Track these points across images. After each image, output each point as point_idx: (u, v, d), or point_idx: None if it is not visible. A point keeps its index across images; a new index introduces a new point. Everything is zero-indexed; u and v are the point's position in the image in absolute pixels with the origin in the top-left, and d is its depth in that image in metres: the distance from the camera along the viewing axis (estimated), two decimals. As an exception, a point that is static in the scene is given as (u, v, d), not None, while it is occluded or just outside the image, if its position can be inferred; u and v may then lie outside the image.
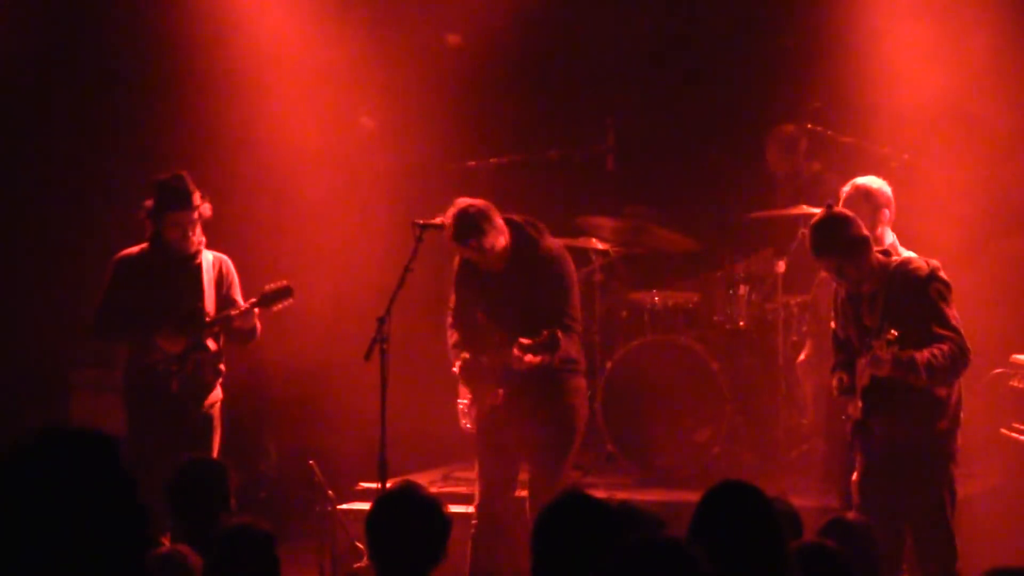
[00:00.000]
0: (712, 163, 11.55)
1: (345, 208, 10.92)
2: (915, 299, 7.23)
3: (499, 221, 8.11)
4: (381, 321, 7.93)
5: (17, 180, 11.47)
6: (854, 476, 7.52)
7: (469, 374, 8.24)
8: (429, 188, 10.95)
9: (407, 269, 8.04)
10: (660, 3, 11.82)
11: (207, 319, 8.45)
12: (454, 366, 8.30)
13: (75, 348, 11.33)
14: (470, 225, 8.01)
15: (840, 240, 7.27)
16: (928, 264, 7.34)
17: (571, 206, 11.18)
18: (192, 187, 8.40)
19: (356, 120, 11.52)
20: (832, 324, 7.72)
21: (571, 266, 8.33)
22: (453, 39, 11.64)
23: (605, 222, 10.60)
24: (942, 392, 7.32)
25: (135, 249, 8.57)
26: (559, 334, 7.79)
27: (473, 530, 8.34)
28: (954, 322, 7.25)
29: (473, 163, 10.99)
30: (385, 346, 7.92)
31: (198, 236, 8.48)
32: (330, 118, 11.13)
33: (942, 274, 7.33)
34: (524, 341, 7.80)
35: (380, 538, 5.23)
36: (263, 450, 11.38)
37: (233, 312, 8.43)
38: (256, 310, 8.43)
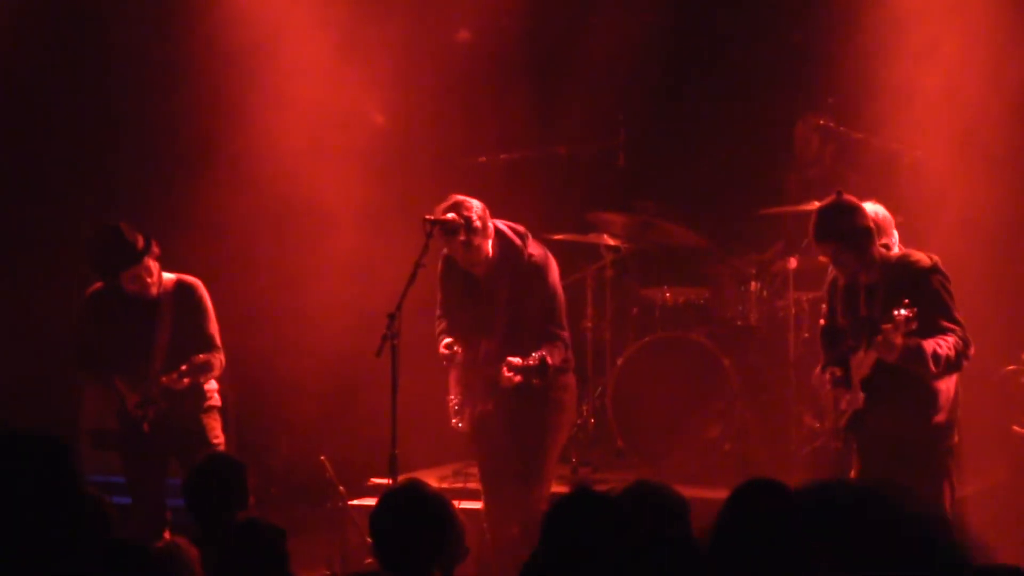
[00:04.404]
0: (723, 159, 11.55)
1: (355, 204, 10.92)
2: (918, 290, 7.21)
3: (491, 225, 8.12)
4: (391, 317, 7.92)
5: (33, 179, 11.49)
6: (852, 474, 7.50)
7: (453, 362, 8.25)
8: (439, 184, 10.94)
9: (418, 265, 8.01)
10: (671, 0, 11.81)
11: (154, 375, 8.27)
12: (440, 352, 8.27)
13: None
14: (464, 219, 8.00)
15: (842, 227, 7.27)
16: (930, 257, 7.35)
17: (582, 202, 11.19)
18: (132, 236, 8.18)
19: (366, 116, 11.52)
20: (822, 320, 7.73)
21: (555, 273, 8.26)
22: (463, 35, 11.64)
23: (616, 218, 10.60)
24: (940, 386, 7.32)
25: (100, 284, 8.46)
26: (547, 359, 7.86)
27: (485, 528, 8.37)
28: (957, 314, 7.27)
29: (483, 159, 11.00)
30: (396, 342, 7.90)
31: (156, 276, 8.29)
32: (340, 114, 11.13)
33: (943, 267, 7.34)
34: (514, 361, 7.86)
35: (384, 536, 5.23)
36: (274, 446, 11.39)
37: (164, 379, 8.15)
38: (185, 380, 8.21)
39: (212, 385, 8.50)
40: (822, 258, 7.58)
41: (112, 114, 11.40)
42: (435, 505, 5.24)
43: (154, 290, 8.28)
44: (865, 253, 7.29)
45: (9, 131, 11.33)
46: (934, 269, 7.30)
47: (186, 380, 8.17)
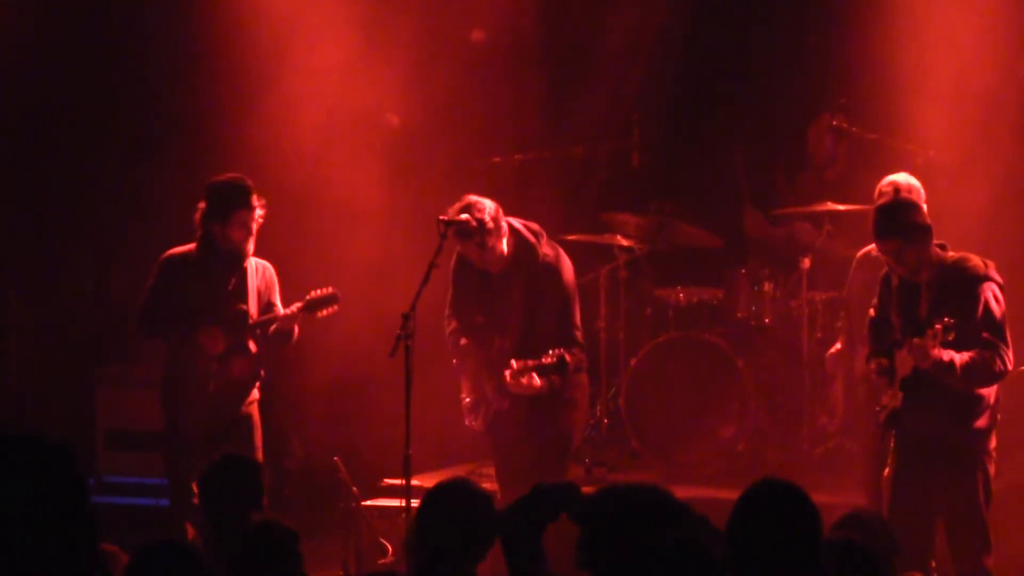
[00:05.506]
0: (737, 159, 11.54)
1: (370, 204, 10.92)
2: (968, 296, 7.24)
3: (504, 225, 8.08)
4: (406, 317, 7.92)
5: (51, 179, 11.51)
6: (885, 472, 7.51)
7: (467, 360, 8.27)
8: (454, 184, 10.94)
9: (432, 265, 8.01)
10: (686, 0, 11.81)
11: (251, 320, 8.46)
12: (453, 353, 8.31)
13: (101, 344, 11.39)
14: (477, 220, 7.98)
15: (905, 224, 7.28)
16: (985, 264, 7.35)
17: (596, 202, 11.19)
18: (252, 186, 8.44)
19: (381, 116, 11.52)
20: (872, 312, 7.69)
21: (569, 272, 8.22)
22: (478, 35, 11.64)
23: (630, 218, 10.60)
24: (983, 391, 7.32)
25: (183, 249, 8.55)
26: (566, 356, 7.85)
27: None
28: (1003, 327, 7.27)
29: (498, 159, 10.99)
30: (410, 342, 7.91)
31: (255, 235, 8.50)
32: (355, 114, 11.14)
33: (997, 275, 7.34)
34: (529, 363, 7.87)
35: (429, 530, 5.21)
36: (288, 447, 11.40)
37: (278, 314, 8.44)
38: (300, 314, 8.44)
39: (255, 394, 8.56)
40: (883, 256, 7.55)
41: (128, 113, 11.41)
42: (483, 502, 5.23)
43: (251, 248, 8.45)
44: (925, 250, 7.30)
45: (25, 132, 11.35)
46: (987, 277, 7.30)
47: (301, 315, 8.41)
